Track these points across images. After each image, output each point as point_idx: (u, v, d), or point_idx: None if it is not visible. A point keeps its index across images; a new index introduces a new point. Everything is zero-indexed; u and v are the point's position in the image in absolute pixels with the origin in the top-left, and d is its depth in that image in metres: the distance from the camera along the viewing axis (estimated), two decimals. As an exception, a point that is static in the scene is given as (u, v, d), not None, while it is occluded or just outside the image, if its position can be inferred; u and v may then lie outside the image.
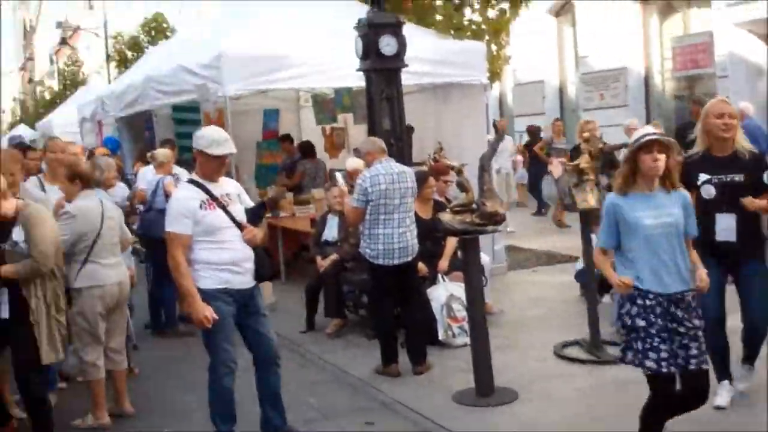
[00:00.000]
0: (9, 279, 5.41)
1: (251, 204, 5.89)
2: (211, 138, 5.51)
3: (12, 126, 66.21)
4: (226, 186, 5.71)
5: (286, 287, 10.67)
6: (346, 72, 9.81)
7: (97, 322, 6.24)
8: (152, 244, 8.41)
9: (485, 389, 6.49)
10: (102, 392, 6.33)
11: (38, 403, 5.66)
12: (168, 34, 29.76)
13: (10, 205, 5.51)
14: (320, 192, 11.82)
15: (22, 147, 9.48)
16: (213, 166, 5.56)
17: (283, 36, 10.46)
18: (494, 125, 12.20)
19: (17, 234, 5.40)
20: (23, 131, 34.42)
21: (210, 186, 5.55)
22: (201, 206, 5.47)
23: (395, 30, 8.41)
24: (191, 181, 5.65)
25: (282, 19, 10.90)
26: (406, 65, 8.64)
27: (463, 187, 6.74)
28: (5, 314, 5.49)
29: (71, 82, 45.57)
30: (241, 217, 5.64)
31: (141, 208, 9.29)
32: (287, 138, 13.91)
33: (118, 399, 6.62)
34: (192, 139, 5.77)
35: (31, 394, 5.66)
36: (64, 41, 44.93)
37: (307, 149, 13.32)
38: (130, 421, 6.58)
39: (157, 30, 30.45)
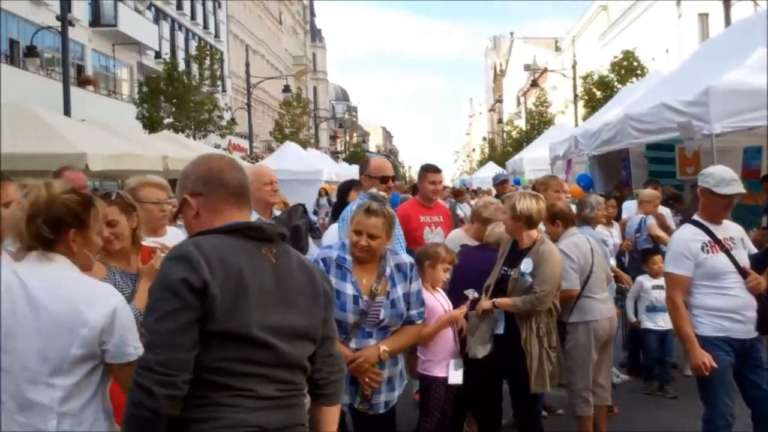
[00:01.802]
0: None
1: (754, 250, 5.52)
2: (719, 177, 5.28)
3: (481, 163, 71.08)
4: (729, 229, 5.42)
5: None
6: None
7: (590, 357, 6.29)
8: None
9: None
10: (590, 427, 6.34)
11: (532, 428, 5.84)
12: (638, 72, 29.62)
13: (530, 235, 5.77)
14: (810, 237, 10.80)
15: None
16: (718, 206, 5.32)
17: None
18: None
19: (525, 265, 5.63)
20: (492, 169, 36.66)
21: (713, 228, 5.32)
22: (703, 248, 5.25)
23: None
24: (694, 222, 5.45)
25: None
26: None
27: None
28: (501, 330, 5.76)
29: (538, 122, 47.43)
30: (745, 263, 5.30)
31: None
32: (772, 178, 12.95)
33: (597, 435, 6.59)
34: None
35: (524, 419, 5.85)
36: (534, 83, 46.94)
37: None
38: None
39: (627, 69, 30.45)
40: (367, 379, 4.47)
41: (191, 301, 2.55)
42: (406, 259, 4.75)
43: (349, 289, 4.43)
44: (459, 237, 6.81)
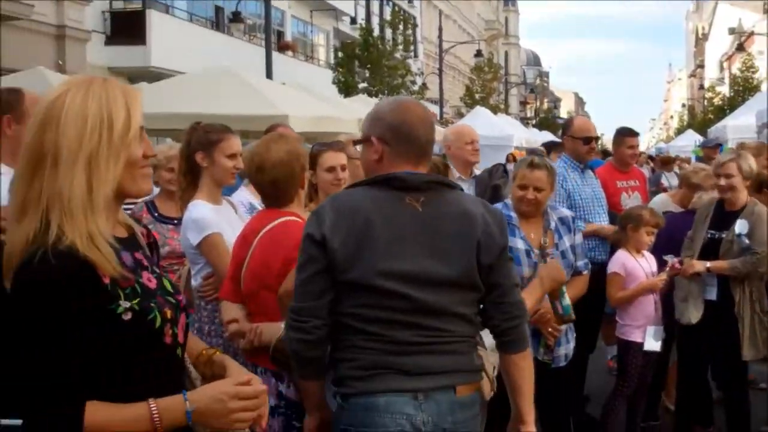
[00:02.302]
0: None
1: None
2: None
3: (678, 131, 68.16)
4: None
5: None
6: None
7: None
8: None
9: None
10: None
11: (739, 402, 5.63)
12: None
13: (740, 197, 5.55)
14: None
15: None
16: None
17: None
18: None
19: (740, 226, 5.40)
20: (692, 136, 35.12)
21: None
22: None
23: None
24: None
25: None
26: None
27: None
28: (713, 296, 5.56)
29: (743, 88, 44.87)
30: None
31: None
32: None
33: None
34: None
35: (733, 389, 5.67)
36: (740, 47, 44.28)
37: None
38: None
39: None
40: (550, 329, 4.50)
41: (315, 254, 2.76)
42: (567, 212, 4.84)
43: (520, 245, 4.48)
44: (663, 202, 6.63)
